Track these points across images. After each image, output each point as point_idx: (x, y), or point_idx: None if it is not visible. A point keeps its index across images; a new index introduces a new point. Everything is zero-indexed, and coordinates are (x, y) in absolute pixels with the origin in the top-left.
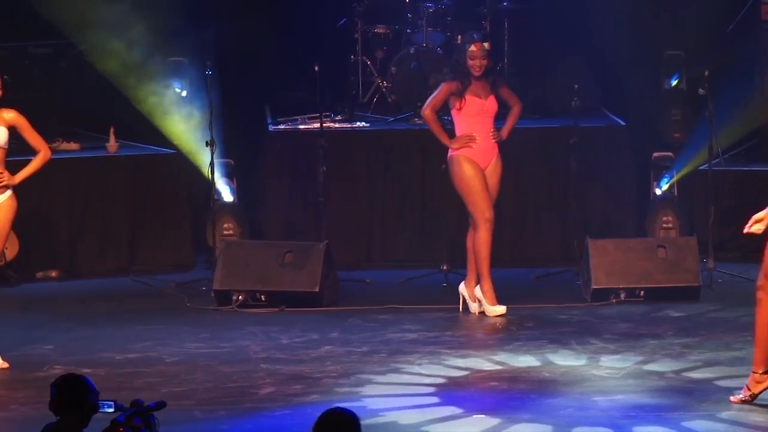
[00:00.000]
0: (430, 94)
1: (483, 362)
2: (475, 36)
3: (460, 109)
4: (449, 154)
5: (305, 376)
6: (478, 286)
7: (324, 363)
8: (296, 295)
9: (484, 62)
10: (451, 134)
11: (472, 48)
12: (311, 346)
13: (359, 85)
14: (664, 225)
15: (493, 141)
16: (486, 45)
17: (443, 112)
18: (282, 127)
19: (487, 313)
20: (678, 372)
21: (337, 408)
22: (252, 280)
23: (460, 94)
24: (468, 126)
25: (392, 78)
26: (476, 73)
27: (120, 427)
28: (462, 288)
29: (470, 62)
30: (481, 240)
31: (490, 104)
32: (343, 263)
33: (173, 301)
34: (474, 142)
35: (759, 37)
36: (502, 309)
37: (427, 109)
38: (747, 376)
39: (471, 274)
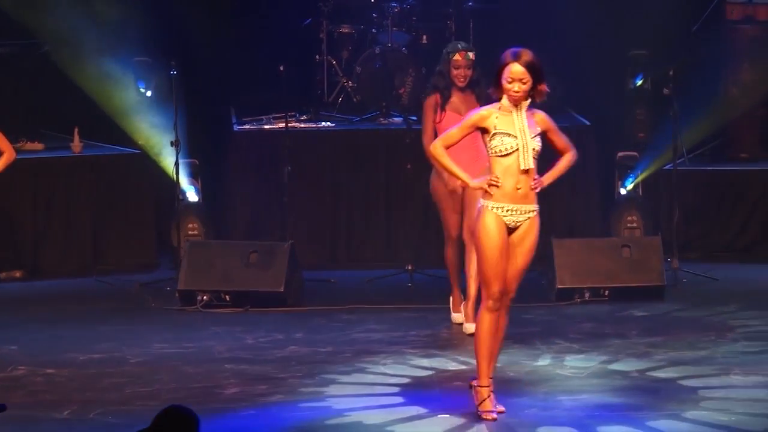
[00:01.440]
0: (395, 95)
1: (448, 362)
2: (460, 45)
3: (438, 122)
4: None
5: (270, 377)
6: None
7: (289, 363)
8: (261, 295)
9: (469, 72)
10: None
11: (456, 57)
12: (276, 346)
13: (324, 85)
14: (629, 224)
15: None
16: (471, 54)
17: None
18: (247, 127)
19: (453, 320)
20: (642, 371)
21: (177, 405)
22: (216, 280)
23: (440, 107)
24: None
25: (357, 78)
26: (460, 84)
27: None
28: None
29: (454, 72)
30: (447, 256)
31: None
32: (308, 263)
33: (137, 301)
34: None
35: (724, 37)
36: (459, 317)
37: (434, 146)
38: (712, 375)
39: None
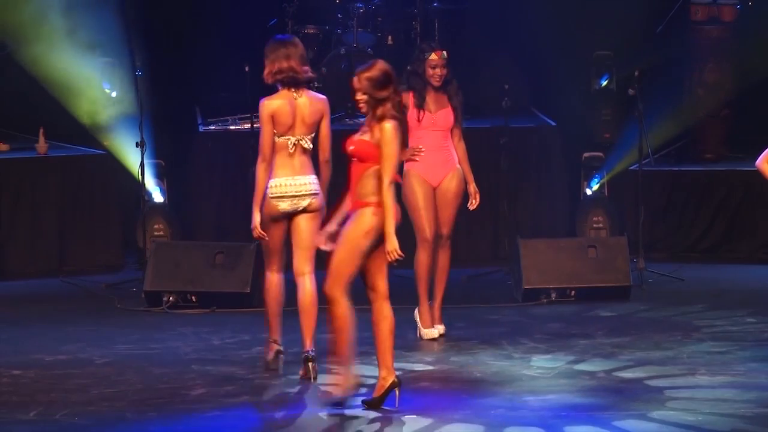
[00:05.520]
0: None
1: (414, 363)
2: (433, 44)
3: (419, 120)
4: (404, 168)
5: (237, 377)
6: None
7: (255, 364)
8: (227, 295)
9: (444, 71)
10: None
11: (433, 56)
12: (242, 347)
13: None
14: (595, 225)
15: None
16: (445, 53)
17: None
18: (212, 127)
19: (421, 336)
20: (609, 371)
21: None
22: (183, 281)
23: (415, 106)
24: (416, 139)
25: (323, 78)
26: (436, 83)
27: None
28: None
29: (430, 71)
30: (417, 260)
31: (441, 117)
32: None
33: (103, 302)
34: (419, 155)
35: (688, 38)
36: (434, 333)
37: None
38: (678, 375)
39: (423, 297)
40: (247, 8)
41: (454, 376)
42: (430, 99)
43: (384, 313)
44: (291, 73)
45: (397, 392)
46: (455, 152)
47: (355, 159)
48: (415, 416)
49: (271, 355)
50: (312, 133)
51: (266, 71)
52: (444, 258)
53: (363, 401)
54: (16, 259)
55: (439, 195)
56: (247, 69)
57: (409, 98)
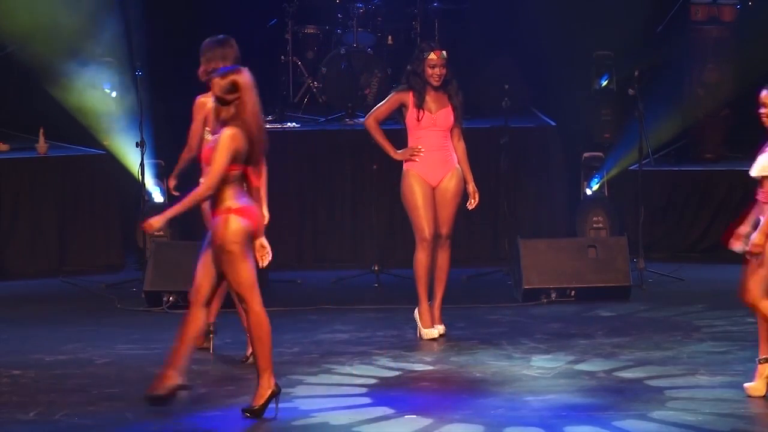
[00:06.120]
0: (360, 95)
1: (414, 363)
2: (433, 44)
3: (418, 120)
4: (403, 168)
5: (237, 377)
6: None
7: (255, 364)
8: (227, 295)
9: (444, 71)
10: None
11: (432, 56)
12: (242, 347)
13: (290, 85)
14: (595, 225)
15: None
16: (444, 53)
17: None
18: None
19: (420, 336)
20: (609, 372)
21: None
22: (183, 281)
23: (415, 106)
24: (415, 139)
25: (323, 78)
26: (435, 83)
27: None
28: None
29: (429, 71)
30: (416, 260)
31: (441, 117)
32: (273, 264)
33: (103, 302)
34: (418, 156)
35: (688, 38)
36: (434, 333)
37: (369, 118)
38: (678, 375)
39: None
40: (247, 8)
41: (454, 376)
42: (430, 99)
43: (255, 318)
44: None
45: (275, 400)
46: (455, 152)
47: (206, 165)
48: (415, 416)
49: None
50: None
51: (201, 69)
52: (444, 258)
53: (243, 409)
54: (17, 259)
55: (439, 195)
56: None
57: (408, 98)
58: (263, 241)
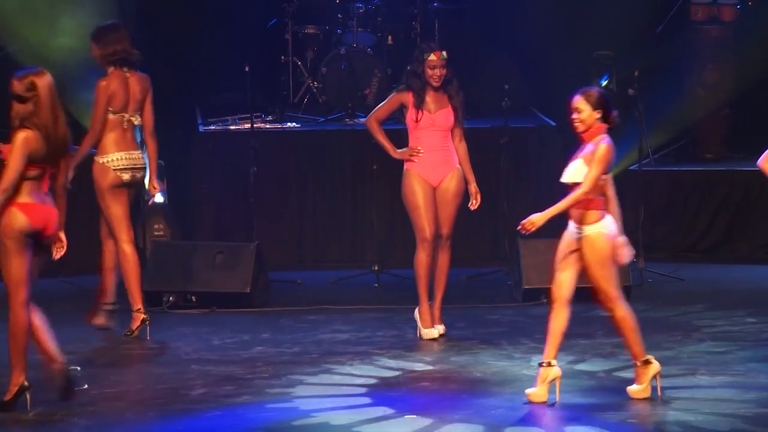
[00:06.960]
0: (360, 95)
1: (414, 362)
2: (433, 44)
3: (416, 121)
4: (404, 168)
5: (236, 377)
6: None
7: (255, 364)
8: (227, 296)
9: (444, 72)
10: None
11: (432, 57)
12: (242, 347)
13: (290, 85)
14: None
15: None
16: (445, 54)
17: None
18: (212, 127)
19: (421, 336)
20: (609, 371)
21: None
22: (183, 281)
23: (414, 106)
24: (415, 139)
25: (323, 78)
26: (435, 84)
27: None
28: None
29: (429, 72)
30: (417, 260)
31: (440, 118)
32: (274, 264)
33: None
34: (417, 156)
35: (688, 38)
36: (434, 333)
37: (369, 119)
38: (678, 375)
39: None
40: (247, 8)
41: (454, 376)
42: (430, 99)
43: (13, 317)
44: (125, 54)
45: (28, 396)
46: (456, 152)
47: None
48: (415, 416)
49: (136, 324)
50: (140, 110)
51: (98, 54)
52: (444, 258)
53: None
54: None
55: (439, 195)
56: (247, 69)
57: (408, 98)
58: (60, 234)
